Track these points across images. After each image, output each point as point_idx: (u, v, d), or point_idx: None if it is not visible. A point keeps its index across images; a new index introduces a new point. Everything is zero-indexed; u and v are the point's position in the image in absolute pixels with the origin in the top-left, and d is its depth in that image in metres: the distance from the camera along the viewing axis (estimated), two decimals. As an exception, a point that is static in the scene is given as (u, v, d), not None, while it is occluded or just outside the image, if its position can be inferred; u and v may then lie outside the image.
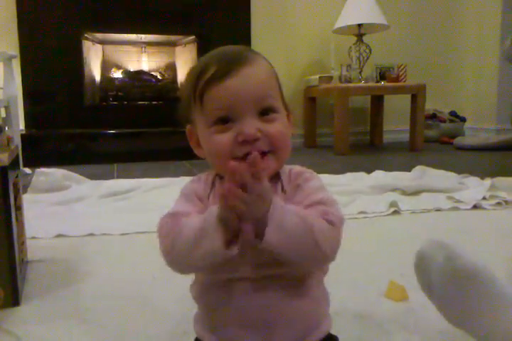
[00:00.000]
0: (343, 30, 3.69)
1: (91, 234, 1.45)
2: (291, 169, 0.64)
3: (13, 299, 0.94)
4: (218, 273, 0.60)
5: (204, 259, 0.56)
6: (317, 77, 3.58)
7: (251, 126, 0.58)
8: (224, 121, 0.58)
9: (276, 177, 0.62)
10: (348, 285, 1.01)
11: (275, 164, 0.60)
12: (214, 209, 0.55)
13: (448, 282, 0.72)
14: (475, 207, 1.73)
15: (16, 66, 2.99)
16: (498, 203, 1.75)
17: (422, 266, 0.76)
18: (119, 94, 3.62)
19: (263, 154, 0.58)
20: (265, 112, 0.59)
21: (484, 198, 1.78)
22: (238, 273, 0.59)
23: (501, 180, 2.08)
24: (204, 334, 0.63)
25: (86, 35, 3.40)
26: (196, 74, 0.60)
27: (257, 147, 0.58)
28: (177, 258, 0.58)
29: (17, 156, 1.13)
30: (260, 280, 0.59)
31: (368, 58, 3.70)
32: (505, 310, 0.70)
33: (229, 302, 0.60)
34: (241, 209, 0.52)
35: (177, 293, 1.00)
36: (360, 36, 3.68)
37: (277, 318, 0.59)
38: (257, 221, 0.54)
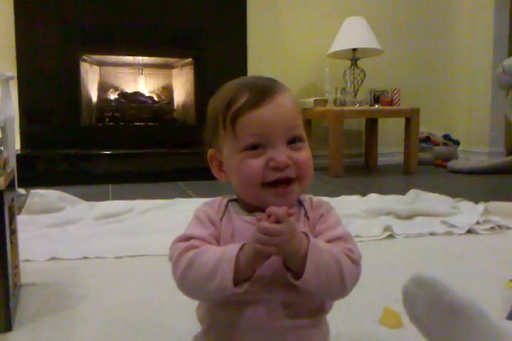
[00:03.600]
0: (337, 55, 3.75)
1: (85, 257, 1.44)
2: (311, 197, 0.67)
3: (6, 324, 0.93)
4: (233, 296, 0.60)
5: (211, 292, 0.58)
6: (312, 100, 3.62)
7: (283, 153, 0.60)
8: (255, 147, 0.61)
9: (298, 203, 0.65)
10: (343, 311, 1.01)
11: (299, 191, 0.63)
12: (233, 248, 0.57)
13: (435, 318, 0.72)
14: (469, 231, 1.74)
15: (13, 86, 3.00)
16: (492, 228, 1.76)
17: (408, 303, 0.76)
18: (116, 115, 3.64)
19: (289, 181, 0.61)
20: (293, 140, 0.62)
21: (478, 223, 1.79)
22: (252, 296, 0.59)
23: (495, 205, 2.09)
24: None
25: (84, 56, 3.44)
26: (227, 100, 0.62)
27: (287, 174, 0.61)
28: (187, 285, 0.60)
29: (13, 178, 1.13)
30: (274, 306, 0.60)
31: (362, 82, 3.74)
32: None
33: (238, 325, 0.60)
34: (273, 251, 0.55)
35: (171, 318, 0.99)
36: (354, 60, 3.73)
37: None
38: (292, 258, 0.57)
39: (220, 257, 0.57)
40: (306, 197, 0.67)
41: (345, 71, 3.76)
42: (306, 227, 0.63)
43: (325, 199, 0.69)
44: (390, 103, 3.69)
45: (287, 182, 0.61)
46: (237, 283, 0.56)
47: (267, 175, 0.60)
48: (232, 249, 0.57)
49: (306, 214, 0.64)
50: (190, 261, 0.58)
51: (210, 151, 0.68)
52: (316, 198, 0.67)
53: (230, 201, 0.66)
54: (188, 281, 0.59)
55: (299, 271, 0.56)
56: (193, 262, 0.58)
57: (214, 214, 0.64)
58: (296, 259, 0.56)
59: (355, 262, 0.59)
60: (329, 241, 0.61)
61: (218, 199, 0.67)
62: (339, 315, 0.98)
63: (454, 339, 0.71)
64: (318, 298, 0.62)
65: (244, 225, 0.62)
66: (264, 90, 0.61)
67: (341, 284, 0.57)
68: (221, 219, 0.63)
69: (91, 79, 3.59)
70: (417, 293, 0.74)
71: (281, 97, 0.62)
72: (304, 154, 0.63)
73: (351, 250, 0.60)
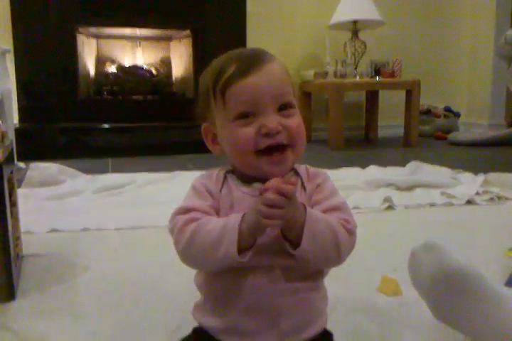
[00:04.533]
0: (338, 26, 3.69)
1: (86, 229, 1.45)
2: (308, 168, 0.67)
3: (9, 294, 0.94)
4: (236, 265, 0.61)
5: (216, 262, 0.59)
6: (312, 72, 3.58)
7: (273, 119, 0.61)
8: (246, 115, 0.61)
9: (294, 173, 0.66)
10: (342, 279, 1.02)
11: (293, 158, 0.63)
12: (235, 218, 0.58)
13: (435, 281, 0.73)
14: (468, 202, 1.75)
15: (10, 60, 2.97)
16: (491, 198, 1.77)
17: (413, 266, 0.77)
18: (114, 88, 3.60)
19: (282, 147, 0.62)
20: (284, 107, 0.62)
21: (477, 193, 1.80)
22: (252, 262, 0.60)
23: (494, 176, 2.09)
24: (206, 319, 0.64)
25: (80, 29, 3.38)
26: (216, 72, 0.63)
27: (278, 140, 0.61)
28: (191, 257, 0.61)
29: (11, 151, 1.13)
30: (274, 270, 0.61)
31: (363, 54, 3.70)
32: (491, 308, 0.71)
33: (238, 289, 0.61)
34: (277, 223, 0.56)
35: (172, 287, 1.01)
36: (355, 32, 3.68)
37: (284, 308, 0.61)
38: (292, 226, 0.57)
39: (223, 227, 0.58)
40: (302, 167, 0.67)
41: (345, 43, 3.71)
42: (302, 198, 0.63)
43: (323, 170, 0.69)
44: (391, 75, 3.65)
45: (281, 149, 0.62)
46: (240, 252, 0.57)
47: (259, 142, 0.61)
48: (234, 219, 0.58)
49: (302, 185, 0.65)
50: (193, 233, 0.59)
51: (204, 125, 0.68)
52: (312, 168, 0.68)
53: (227, 172, 0.66)
54: (192, 253, 0.60)
55: (296, 240, 0.57)
56: (196, 234, 0.59)
57: (212, 185, 0.64)
58: (294, 229, 0.57)
59: (350, 232, 0.61)
60: (325, 211, 0.62)
61: (215, 171, 0.67)
62: (339, 284, 0.99)
63: (454, 304, 0.72)
64: (314, 266, 0.63)
65: (243, 196, 0.62)
66: (251, 60, 0.62)
67: (336, 253, 0.59)
68: (220, 191, 0.64)
69: (88, 52, 3.54)
70: (423, 256, 0.75)
71: (269, 66, 0.63)
72: (294, 120, 0.63)
73: (347, 220, 0.61)
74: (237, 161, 0.64)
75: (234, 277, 0.61)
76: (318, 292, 0.65)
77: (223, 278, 0.62)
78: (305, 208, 0.58)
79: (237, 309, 0.61)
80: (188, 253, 0.60)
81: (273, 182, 0.56)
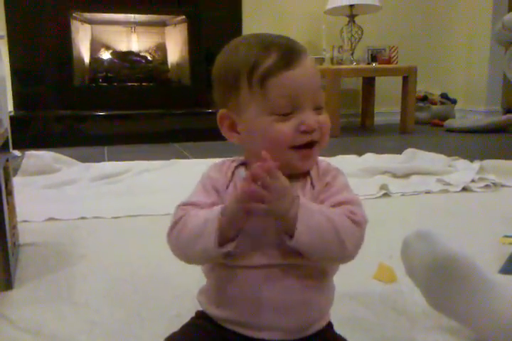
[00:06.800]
0: (334, 11, 3.66)
1: (82, 218, 1.45)
2: (319, 163, 0.65)
3: (6, 283, 0.94)
4: (232, 262, 0.60)
5: (198, 254, 0.58)
6: (308, 58, 3.56)
7: (312, 117, 0.59)
8: (285, 110, 0.59)
9: (305, 172, 0.63)
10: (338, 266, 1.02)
11: (318, 153, 0.63)
12: (217, 209, 0.57)
13: (428, 269, 0.74)
14: (464, 189, 1.75)
15: (4, 46, 2.94)
16: (487, 185, 1.77)
17: (407, 254, 0.78)
18: (109, 75, 3.58)
19: (313, 144, 0.61)
20: (318, 105, 0.61)
21: (473, 181, 1.80)
22: (254, 261, 0.59)
23: (490, 163, 2.10)
24: (210, 307, 0.63)
25: (74, 14, 3.35)
26: (252, 59, 0.59)
27: (314, 137, 0.60)
28: (179, 250, 0.61)
29: (7, 139, 1.12)
30: (278, 268, 0.59)
31: (359, 40, 3.67)
32: (483, 296, 0.71)
33: (238, 285, 0.60)
34: (262, 207, 0.54)
35: (170, 276, 1.01)
36: (352, 17, 3.65)
37: (289, 308, 0.59)
38: (283, 218, 0.56)
39: (205, 219, 0.57)
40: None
41: (342, 28, 3.68)
42: (310, 196, 0.61)
43: (334, 166, 0.66)
44: (388, 61, 3.63)
45: (310, 145, 0.60)
46: (222, 244, 0.56)
47: (297, 139, 0.59)
48: (216, 209, 0.57)
49: (312, 183, 0.62)
50: (181, 225, 0.59)
51: (221, 111, 0.64)
52: (323, 164, 0.65)
53: (238, 166, 0.64)
54: (178, 246, 0.60)
55: (292, 232, 0.56)
56: (183, 226, 0.59)
57: (220, 180, 0.63)
58: (286, 221, 0.56)
59: (356, 223, 0.58)
60: (332, 207, 0.60)
61: (227, 162, 0.65)
62: (335, 271, 1.00)
63: (447, 291, 0.73)
64: (319, 260, 0.60)
65: None
66: (293, 50, 0.59)
67: (340, 246, 0.56)
68: (227, 187, 0.62)
69: (82, 38, 3.51)
70: (416, 244, 0.75)
71: (308, 59, 0.60)
72: (325, 118, 0.62)
73: (353, 212, 0.59)
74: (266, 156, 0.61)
75: (234, 272, 0.60)
76: (323, 293, 0.63)
77: (223, 272, 0.61)
78: (298, 199, 0.56)
79: (239, 304, 0.60)
80: (176, 245, 0.60)
81: (251, 171, 0.54)
